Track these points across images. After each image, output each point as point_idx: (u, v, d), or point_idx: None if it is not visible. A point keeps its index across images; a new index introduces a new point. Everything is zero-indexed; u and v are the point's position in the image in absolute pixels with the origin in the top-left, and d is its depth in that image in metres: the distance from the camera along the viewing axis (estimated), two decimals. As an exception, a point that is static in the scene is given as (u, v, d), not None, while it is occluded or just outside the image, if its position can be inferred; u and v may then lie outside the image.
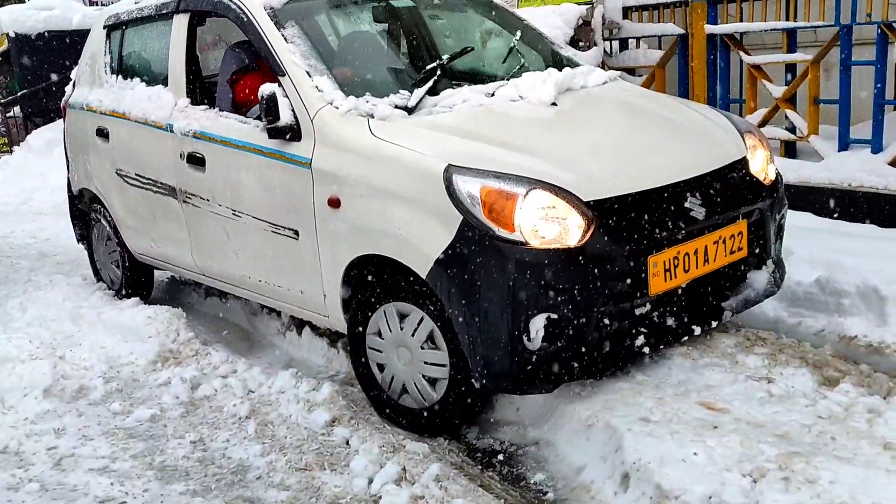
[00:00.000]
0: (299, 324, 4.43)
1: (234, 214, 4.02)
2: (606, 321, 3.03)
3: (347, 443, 3.38)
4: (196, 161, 4.20)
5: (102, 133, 5.01)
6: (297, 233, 3.67)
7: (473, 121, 3.45)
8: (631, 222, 3.05)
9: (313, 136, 3.53)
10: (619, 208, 3.05)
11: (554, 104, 3.63)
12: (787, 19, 6.00)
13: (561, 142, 3.33)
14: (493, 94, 3.66)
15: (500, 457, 3.31)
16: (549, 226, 2.94)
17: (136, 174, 4.74)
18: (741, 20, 6.14)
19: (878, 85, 5.33)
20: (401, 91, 3.63)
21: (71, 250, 6.58)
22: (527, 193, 2.95)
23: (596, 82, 3.98)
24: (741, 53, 6.21)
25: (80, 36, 9.17)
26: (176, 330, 4.56)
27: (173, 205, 4.48)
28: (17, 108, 11.57)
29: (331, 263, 3.54)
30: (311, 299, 3.73)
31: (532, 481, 3.12)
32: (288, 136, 3.61)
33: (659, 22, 6.84)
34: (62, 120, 5.60)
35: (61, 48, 11.49)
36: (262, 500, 3.06)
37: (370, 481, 3.05)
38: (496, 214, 2.95)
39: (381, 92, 3.62)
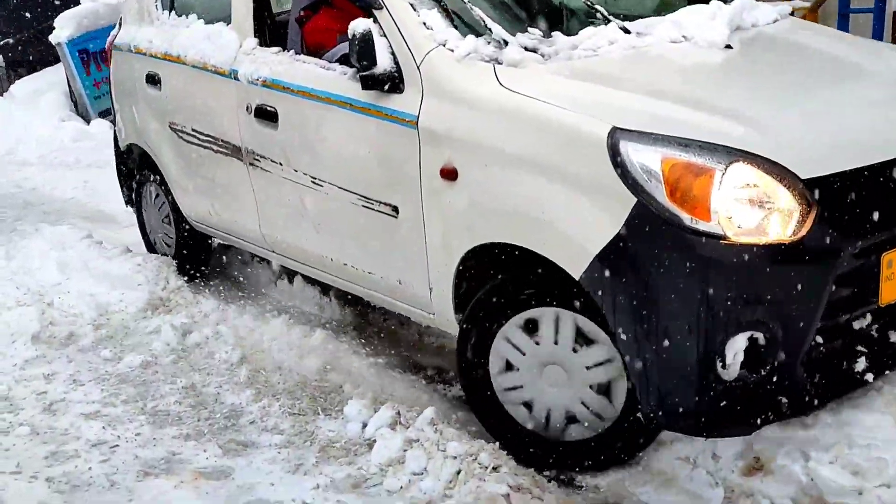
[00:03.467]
0: (290, 272, 4.39)
1: (314, 183, 3.31)
2: (821, 339, 2.38)
3: (341, 388, 3.37)
4: (266, 115, 3.48)
5: (153, 79, 4.28)
6: (395, 209, 2.98)
7: (630, 69, 2.74)
8: (859, 208, 2.35)
9: (420, 86, 2.82)
10: (843, 189, 2.33)
11: (728, 47, 2.90)
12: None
13: (753, 98, 2.57)
14: (646, 35, 2.95)
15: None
16: (754, 213, 2.26)
17: (193, 129, 4.02)
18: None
19: (877, 33, 5.29)
20: (529, 30, 2.91)
21: (56, 200, 6.51)
22: (727, 168, 2.27)
23: (766, 20, 3.23)
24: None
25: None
26: (165, 278, 4.50)
27: (238, 167, 3.76)
28: (-1, 57, 11.36)
29: (441, 251, 2.84)
30: (412, 292, 3.06)
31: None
32: (386, 87, 2.89)
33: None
34: (108, 64, 4.87)
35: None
36: (255, 444, 3.05)
37: (364, 426, 3.04)
38: (684, 197, 2.26)
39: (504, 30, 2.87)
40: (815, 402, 2.42)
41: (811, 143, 2.39)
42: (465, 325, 2.82)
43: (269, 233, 3.76)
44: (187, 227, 4.49)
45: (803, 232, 2.25)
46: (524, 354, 2.70)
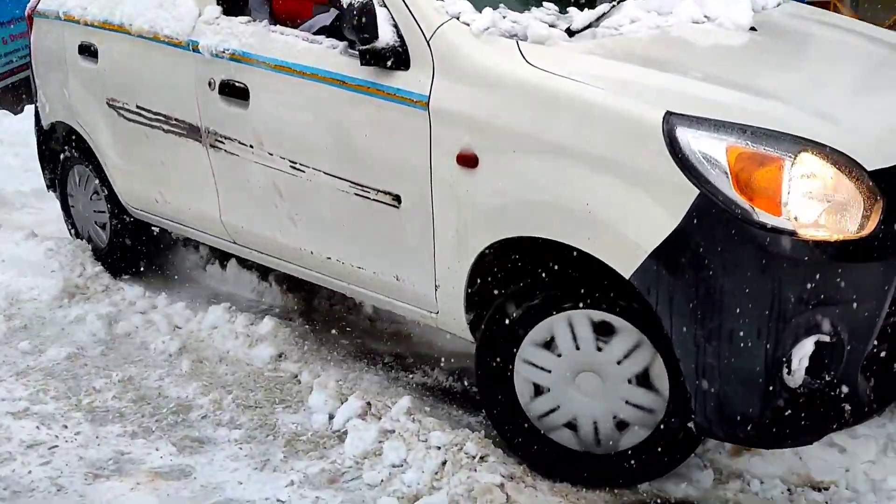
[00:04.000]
0: (222, 256, 4.15)
1: (292, 167, 3.00)
2: (877, 342, 2.26)
3: (296, 378, 3.20)
4: (233, 92, 3.13)
5: (88, 51, 3.83)
6: (397, 198, 2.70)
7: (664, 50, 2.57)
8: None
9: (430, 63, 2.55)
10: None
11: (752, 29, 2.79)
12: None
13: (799, 83, 2.46)
14: (668, 13, 2.77)
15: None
16: (821, 206, 2.12)
17: (139, 107, 3.61)
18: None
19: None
20: (544, 4, 2.70)
21: (-60, 181, 5.95)
22: (795, 158, 2.11)
23: (771, 3, 3.14)
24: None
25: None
26: (81, 263, 4.18)
27: (194, 149, 3.39)
28: None
29: (455, 245, 2.58)
30: (412, 289, 2.79)
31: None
32: (389, 63, 2.60)
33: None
34: (28, 32, 4.39)
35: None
36: (212, 440, 2.85)
37: (331, 417, 2.89)
38: (751, 188, 2.10)
39: (514, 5, 2.68)
40: (875, 408, 2.30)
41: (874, 133, 2.25)
42: (486, 331, 2.59)
43: (232, 222, 3.41)
44: (125, 215, 4.06)
45: (871, 227, 2.11)
46: (549, 372, 2.48)
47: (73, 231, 4.46)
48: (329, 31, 2.99)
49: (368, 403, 2.86)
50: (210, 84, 3.22)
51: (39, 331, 3.71)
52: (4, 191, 5.98)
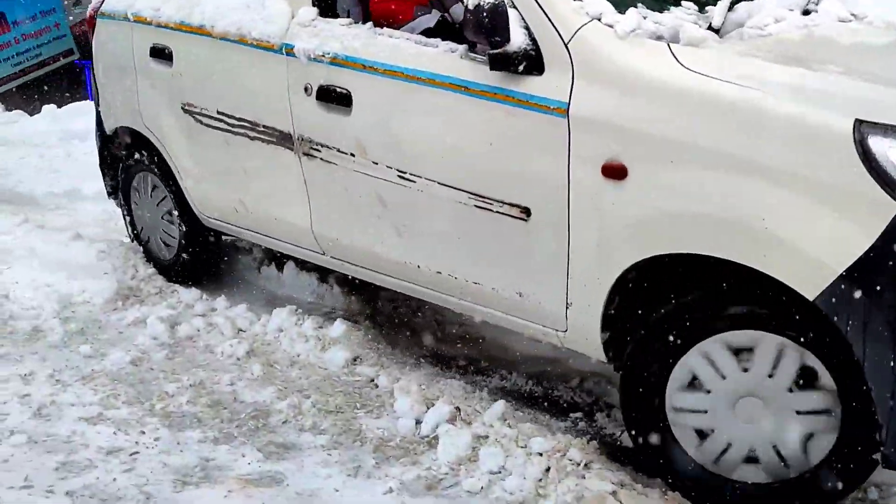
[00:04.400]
0: (277, 258, 4.09)
1: (400, 177, 2.84)
2: None
3: (372, 382, 3.13)
4: (333, 98, 2.97)
5: (162, 53, 3.66)
6: (526, 211, 2.54)
7: (824, 51, 2.41)
8: None
9: (569, 67, 2.39)
10: None
11: None
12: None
13: None
14: (808, 13, 2.63)
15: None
16: None
17: (220, 112, 3.44)
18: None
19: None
20: (683, 4, 2.58)
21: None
22: None
23: None
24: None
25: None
26: (133, 265, 4.13)
27: (284, 157, 3.23)
28: None
29: (594, 261, 2.42)
30: (537, 307, 2.62)
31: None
32: (521, 68, 2.45)
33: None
34: (89, 34, 4.18)
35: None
36: (297, 446, 2.78)
37: (417, 422, 2.83)
38: None
39: (651, 5, 2.53)
40: None
41: None
42: (643, 336, 2.41)
43: (324, 233, 3.23)
44: (196, 224, 3.88)
45: None
46: (724, 378, 2.29)
47: (136, 241, 4.28)
48: (432, 34, 2.86)
49: (457, 408, 2.80)
50: (307, 89, 3.06)
51: (97, 334, 3.63)
52: (35, 192, 5.93)
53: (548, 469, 2.48)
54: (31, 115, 8.50)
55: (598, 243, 2.40)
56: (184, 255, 3.98)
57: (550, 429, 2.73)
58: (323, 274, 3.92)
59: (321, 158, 3.11)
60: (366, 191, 2.99)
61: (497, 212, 2.62)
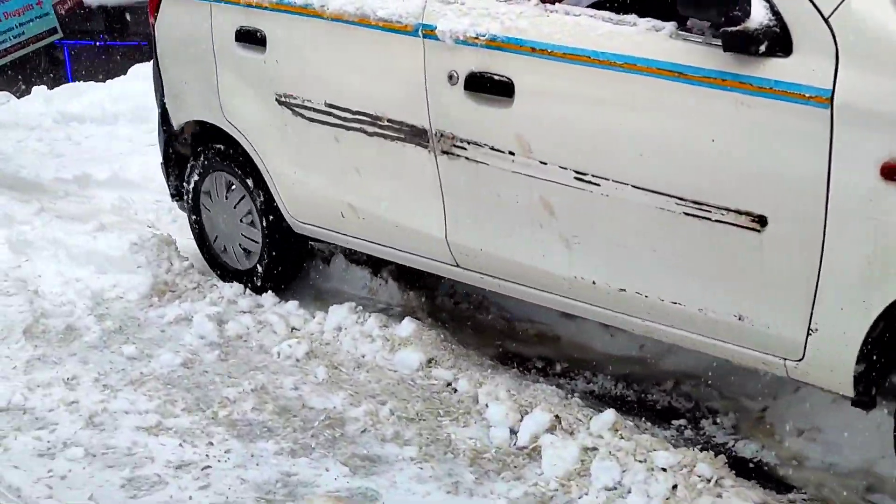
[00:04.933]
0: (323, 250, 3.85)
1: (579, 179, 2.46)
2: None
3: (450, 386, 2.91)
4: (489, 88, 2.59)
5: (252, 37, 3.24)
6: (761, 220, 2.17)
7: None
8: None
9: (831, 46, 2.01)
10: None
11: None
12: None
13: None
14: None
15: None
16: None
17: (329, 105, 3.03)
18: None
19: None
20: None
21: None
22: None
23: None
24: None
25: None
26: (168, 258, 3.84)
27: (415, 156, 2.83)
28: None
29: (862, 280, 2.06)
30: (762, 331, 2.26)
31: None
32: (762, 49, 2.09)
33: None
34: (150, 16, 3.71)
35: None
36: (384, 459, 2.55)
37: (512, 432, 2.61)
38: None
39: None
40: None
41: None
42: None
43: (462, 243, 2.82)
44: (279, 230, 3.47)
45: None
46: None
47: (204, 248, 3.86)
48: (599, 7, 2.54)
49: (557, 417, 2.59)
50: (451, 78, 2.66)
51: (137, 333, 3.37)
52: (41, 178, 5.60)
53: (675, 486, 2.27)
54: (17, 96, 8.16)
55: (871, 259, 2.03)
56: (267, 263, 3.56)
57: (669, 440, 2.52)
58: (375, 267, 3.68)
59: (466, 157, 2.70)
60: (526, 195, 2.60)
61: (717, 220, 2.24)
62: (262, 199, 3.46)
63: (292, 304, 3.48)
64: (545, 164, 2.53)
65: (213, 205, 3.72)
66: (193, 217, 3.83)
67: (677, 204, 2.30)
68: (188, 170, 3.76)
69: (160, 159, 3.93)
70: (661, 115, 2.29)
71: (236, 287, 3.65)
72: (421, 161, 2.83)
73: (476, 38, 2.59)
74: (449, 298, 3.60)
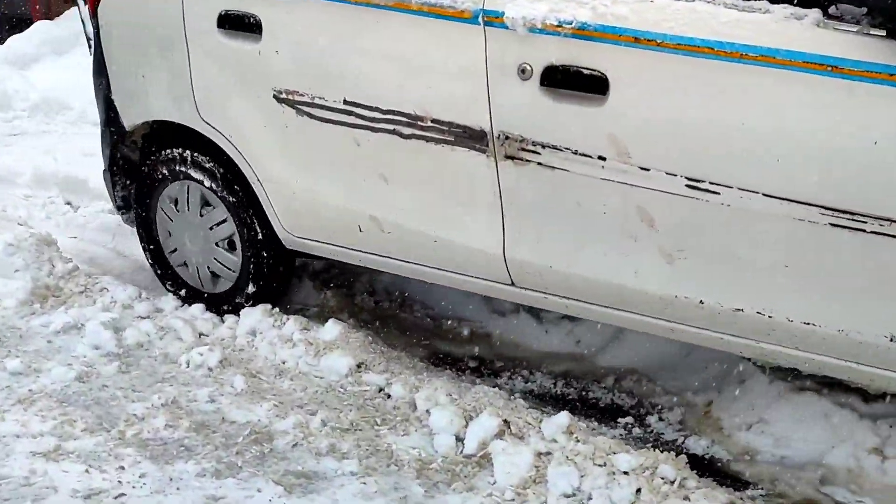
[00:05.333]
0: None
1: (691, 187, 2.17)
2: None
3: (382, 392, 2.72)
4: (573, 83, 2.27)
5: (242, 24, 2.79)
6: None
7: None
8: None
9: None
10: None
11: None
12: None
13: None
14: None
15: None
16: None
17: (350, 102, 2.63)
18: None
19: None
20: None
21: None
22: None
23: None
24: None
25: None
26: (49, 260, 3.47)
27: (467, 161, 2.47)
28: None
29: None
30: (883, 351, 2.08)
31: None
32: None
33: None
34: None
35: None
36: (321, 475, 2.34)
37: (457, 439, 2.45)
38: None
39: None
40: None
41: None
42: None
43: (526, 259, 2.49)
44: (267, 248, 3.06)
45: None
46: None
47: (157, 267, 3.39)
48: None
49: (506, 421, 2.44)
50: (523, 71, 2.31)
51: (20, 345, 3.02)
52: None
53: (638, 490, 2.17)
54: None
55: None
56: (252, 285, 3.13)
57: (622, 440, 2.41)
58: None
59: (538, 163, 2.37)
60: (617, 205, 2.30)
61: (873, 232, 2.00)
62: (246, 213, 3.03)
63: (197, 308, 3.19)
64: (647, 170, 2.23)
65: (177, 219, 3.24)
66: (147, 238, 3.36)
67: (822, 214, 2.05)
68: (141, 178, 3.27)
69: (103, 165, 3.39)
70: (807, 113, 2.03)
71: (130, 290, 3.32)
72: (474, 167, 2.47)
73: (559, 26, 2.25)
74: (369, 297, 3.39)
